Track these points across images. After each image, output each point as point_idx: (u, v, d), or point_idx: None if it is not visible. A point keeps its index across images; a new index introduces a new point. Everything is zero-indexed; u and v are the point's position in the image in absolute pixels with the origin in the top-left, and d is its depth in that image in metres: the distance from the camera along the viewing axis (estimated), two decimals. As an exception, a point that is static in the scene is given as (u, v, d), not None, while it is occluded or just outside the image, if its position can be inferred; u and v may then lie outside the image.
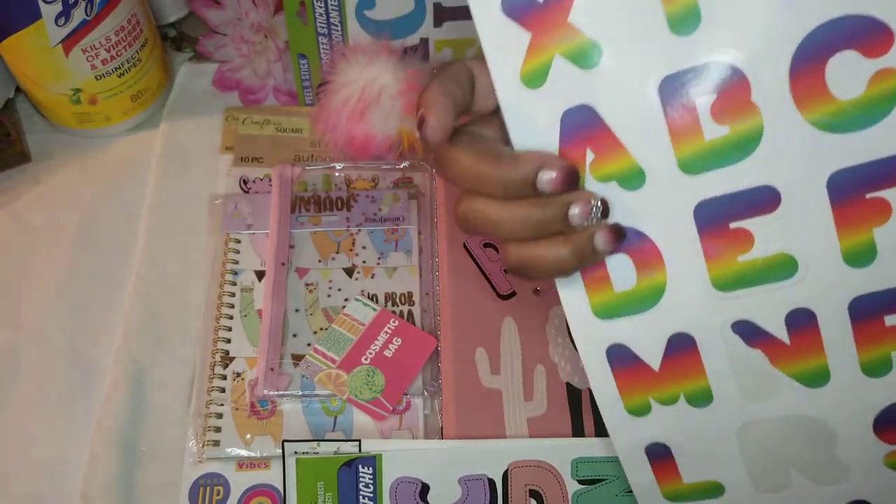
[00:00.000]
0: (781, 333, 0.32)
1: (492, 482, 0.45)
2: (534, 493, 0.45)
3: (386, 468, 0.45)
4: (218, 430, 0.47)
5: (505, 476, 0.45)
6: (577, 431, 0.47)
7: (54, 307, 0.52)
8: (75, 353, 0.51)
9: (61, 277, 0.54)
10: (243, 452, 0.47)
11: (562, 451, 0.46)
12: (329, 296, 0.52)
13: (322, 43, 0.56)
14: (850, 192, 0.29)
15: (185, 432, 0.48)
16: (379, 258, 0.54)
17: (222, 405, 0.48)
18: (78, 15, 0.51)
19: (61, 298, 0.53)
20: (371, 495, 0.44)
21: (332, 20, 0.55)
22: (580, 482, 0.45)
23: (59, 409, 0.49)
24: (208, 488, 0.46)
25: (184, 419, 0.48)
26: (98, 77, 0.55)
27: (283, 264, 0.53)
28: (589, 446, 0.46)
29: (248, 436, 0.47)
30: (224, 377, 0.49)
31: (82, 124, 0.59)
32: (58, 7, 0.50)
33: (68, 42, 0.52)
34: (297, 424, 0.48)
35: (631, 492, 0.39)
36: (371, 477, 0.45)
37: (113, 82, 0.56)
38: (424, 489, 0.45)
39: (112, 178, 0.58)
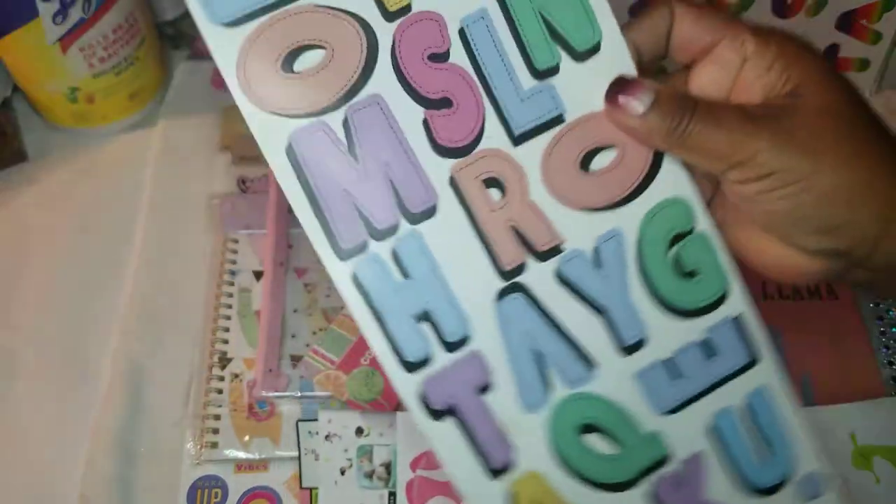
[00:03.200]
0: None
1: None
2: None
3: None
4: (216, 431, 0.47)
5: None
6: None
7: (51, 307, 0.52)
8: (72, 353, 0.51)
9: (58, 277, 0.53)
10: (241, 454, 0.47)
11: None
12: (328, 296, 0.52)
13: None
14: None
15: (183, 434, 0.47)
16: (378, 258, 0.53)
17: (220, 406, 0.48)
18: (75, 13, 0.51)
19: (58, 299, 0.52)
20: None
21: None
22: None
23: (56, 410, 0.49)
24: (206, 490, 0.46)
25: (182, 420, 0.48)
26: (95, 75, 0.55)
27: (281, 264, 0.52)
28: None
29: (247, 437, 0.47)
30: (222, 378, 0.49)
31: (79, 123, 0.58)
32: (55, 5, 0.50)
33: (65, 40, 0.52)
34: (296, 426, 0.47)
35: None
36: None
37: (110, 81, 0.56)
38: None
39: (109, 177, 0.58)
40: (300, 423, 0.47)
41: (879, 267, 0.32)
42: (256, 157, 0.58)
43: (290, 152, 0.31)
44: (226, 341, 0.50)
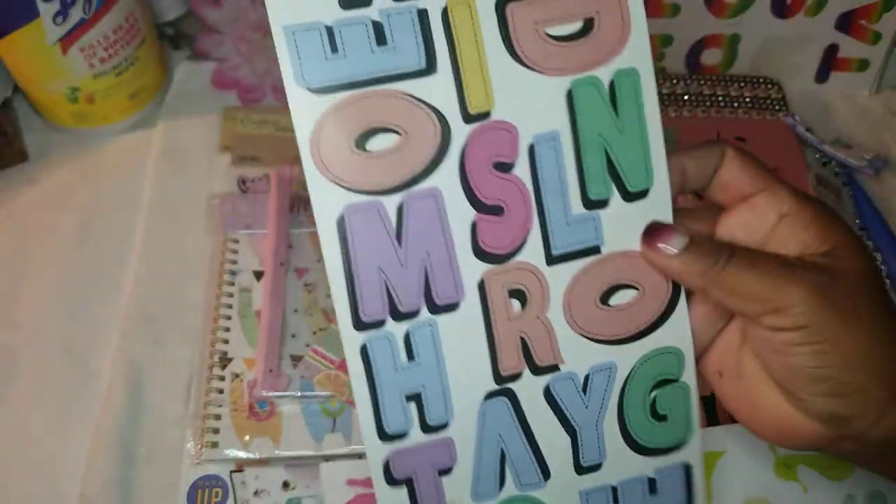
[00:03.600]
0: None
1: None
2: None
3: None
4: (216, 431, 0.47)
5: None
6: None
7: (52, 307, 0.52)
8: (73, 353, 0.51)
9: (59, 277, 0.53)
10: (242, 454, 0.47)
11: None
12: (328, 296, 0.52)
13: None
14: None
15: (184, 433, 0.47)
16: (378, 258, 0.53)
17: (221, 406, 0.48)
18: (76, 13, 0.51)
19: (59, 299, 0.52)
20: None
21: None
22: None
23: (56, 409, 0.49)
24: (207, 490, 0.46)
25: (182, 420, 0.48)
26: (96, 76, 0.55)
27: (281, 264, 0.52)
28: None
29: (247, 437, 0.47)
30: (222, 378, 0.49)
31: (80, 123, 0.58)
32: (55, 6, 0.50)
33: (66, 41, 0.52)
34: (296, 426, 0.47)
35: None
36: None
37: (111, 81, 0.56)
38: None
39: (110, 177, 0.58)
40: (233, 474, 0.46)
41: (874, 441, 0.33)
42: (256, 158, 0.58)
43: (341, 223, 0.33)
44: (226, 341, 0.50)
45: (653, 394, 0.37)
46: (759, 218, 0.34)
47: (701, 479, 0.39)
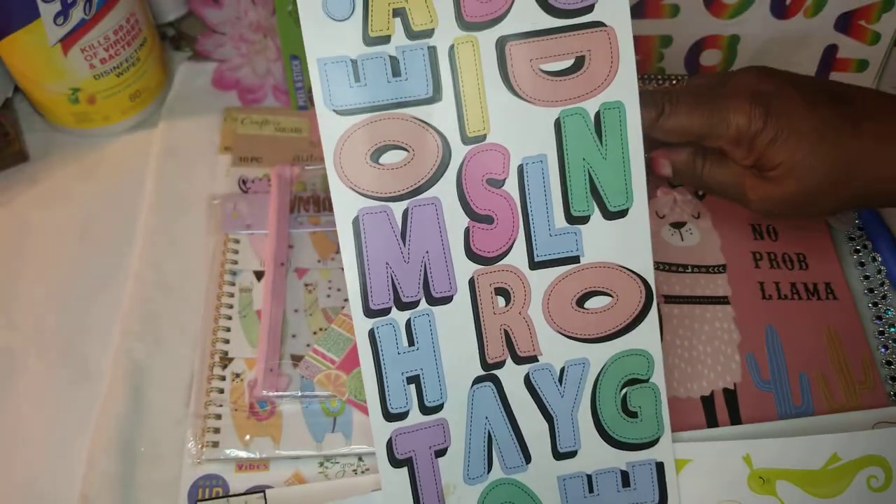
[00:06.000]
0: None
1: None
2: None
3: None
4: (217, 430, 0.47)
5: None
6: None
7: (52, 307, 0.52)
8: (73, 353, 0.51)
9: (59, 277, 0.53)
10: (242, 453, 0.47)
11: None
12: (328, 296, 0.52)
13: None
14: None
15: (184, 433, 0.47)
16: (378, 258, 0.53)
17: (221, 406, 0.48)
18: (76, 14, 0.51)
19: (59, 298, 0.53)
20: None
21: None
22: None
23: (57, 409, 0.49)
24: (207, 489, 0.46)
25: (182, 420, 0.48)
26: (97, 76, 0.55)
27: (282, 264, 0.52)
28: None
29: (248, 437, 0.47)
30: (223, 378, 0.49)
31: (81, 124, 0.58)
32: (56, 6, 0.50)
33: (67, 41, 0.52)
34: (297, 426, 0.48)
35: None
36: None
37: (111, 82, 0.56)
38: None
39: (110, 177, 0.58)
40: None
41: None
42: (257, 158, 0.58)
43: (356, 223, 0.38)
44: (227, 341, 0.50)
45: (623, 391, 0.42)
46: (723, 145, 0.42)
47: (674, 478, 0.42)
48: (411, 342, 0.40)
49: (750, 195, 0.42)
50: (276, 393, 0.48)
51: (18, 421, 0.48)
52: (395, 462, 0.41)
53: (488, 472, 0.42)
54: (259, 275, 0.53)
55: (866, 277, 0.53)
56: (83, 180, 0.58)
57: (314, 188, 0.56)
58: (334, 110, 0.37)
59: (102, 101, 0.57)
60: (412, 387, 0.40)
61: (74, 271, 0.54)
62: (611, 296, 0.41)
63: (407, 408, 0.40)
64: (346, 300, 0.51)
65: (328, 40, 0.36)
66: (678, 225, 0.54)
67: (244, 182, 0.57)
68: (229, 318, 0.51)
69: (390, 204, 0.39)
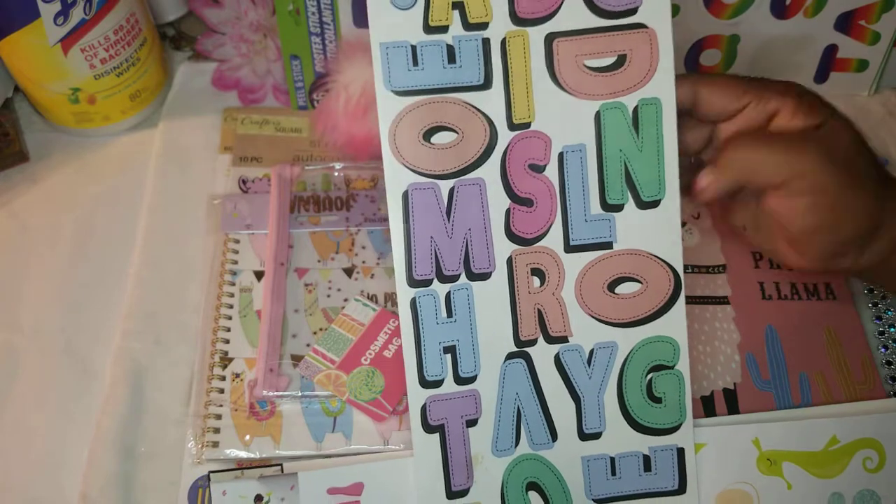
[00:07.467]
0: None
1: None
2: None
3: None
4: (217, 430, 0.47)
5: None
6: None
7: (53, 307, 0.52)
8: (74, 353, 0.51)
9: (60, 277, 0.53)
10: (242, 454, 0.47)
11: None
12: (328, 296, 0.52)
13: (315, 43, 0.56)
14: None
15: (184, 433, 0.48)
16: (378, 258, 0.53)
17: (221, 406, 0.48)
18: (77, 14, 0.51)
19: (60, 298, 0.53)
20: None
21: (324, 19, 0.54)
22: None
23: (57, 409, 0.49)
24: (207, 489, 0.46)
25: (183, 420, 0.48)
26: (97, 76, 0.55)
27: (282, 264, 0.52)
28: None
29: (248, 437, 0.47)
30: (223, 378, 0.49)
31: (81, 124, 0.58)
32: (56, 6, 0.50)
33: (67, 41, 0.52)
34: (297, 425, 0.48)
35: None
36: None
37: (111, 81, 0.56)
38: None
39: (110, 177, 0.58)
40: (202, 489, 0.46)
41: (860, 267, 0.42)
42: (257, 158, 0.58)
43: (405, 197, 0.41)
44: (227, 341, 0.50)
45: (649, 376, 0.43)
46: (752, 124, 0.41)
47: (693, 465, 0.43)
48: (450, 314, 0.42)
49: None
50: (276, 393, 0.48)
51: (19, 420, 0.48)
52: (428, 427, 0.43)
53: (515, 446, 0.43)
54: (259, 275, 0.53)
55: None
56: (83, 180, 0.58)
57: (314, 188, 0.56)
58: (392, 91, 0.40)
59: (102, 101, 0.57)
60: (448, 356, 0.42)
61: (75, 271, 0.54)
62: (641, 282, 0.42)
63: (442, 376, 0.42)
64: (346, 300, 0.52)
65: (391, 27, 0.39)
66: (678, 225, 0.54)
67: (244, 182, 0.57)
68: (229, 318, 0.51)
69: (438, 181, 0.41)
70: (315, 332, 0.51)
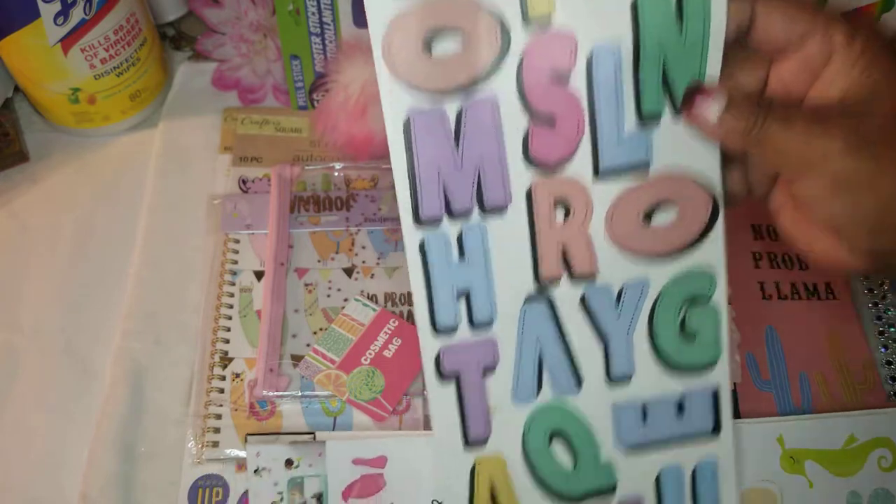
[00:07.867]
0: None
1: None
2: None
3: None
4: (217, 430, 0.47)
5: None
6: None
7: (53, 307, 0.52)
8: (74, 353, 0.51)
9: (60, 277, 0.53)
10: (242, 453, 0.47)
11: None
12: (328, 296, 0.52)
13: (315, 43, 0.56)
14: None
15: (184, 433, 0.47)
16: (378, 258, 0.53)
17: (221, 406, 0.48)
18: (77, 14, 0.51)
19: (60, 298, 0.53)
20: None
21: (324, 19, 0.54)
22: None
23: (57, 409, 0.49)
24: (207, 489, 0.46)
25: (183, 420, 0.48)
26: (97, 76, 0.55)
27: (282, 264, 0.52)
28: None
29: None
30: (223, 378, 0.49)
31: (81, 124, 0.58)
32: (56, 6, 0.50)
33: (67, 41, 0.52)
34: (297, 425, 0.48)
35: None
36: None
37: (111, 81, 0.56)
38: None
39: (110, 177, 0.58)
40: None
41: None
42: (257, 158, 0.58)
43: (407, 126, 0.35)
44: (227, 341, 0.50)
45: (683, 311, 0.39)
46: (809, 61, 0.34)
47: (728, 405, 0.40)
48: (462, 255, 0.38)
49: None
50: (276, 393, 0.48)
51: (19, 420, 0.48)
52: (442, 378, 0.40)
53: (537, 394, 0.40)
54: (259, 275, 0.53)
55: (866, 277, 0.53)
56: (83, 180, 0.58)
57: (314, 188, 0.56)
58: None
59: (102, 100, 0.57)
60: (461, 302, 0.39)
61: (74, 271, 0.54)
62: (677, 207, 0.37)
63: (456, 323, 0.39)
64: (346, 300, 0.52)
65: None
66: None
67: (244, 182, 0.57)
68: (229, 317, 0.51)
69: (444, 104, 0.35)
70: (315, 332, 0.51)
